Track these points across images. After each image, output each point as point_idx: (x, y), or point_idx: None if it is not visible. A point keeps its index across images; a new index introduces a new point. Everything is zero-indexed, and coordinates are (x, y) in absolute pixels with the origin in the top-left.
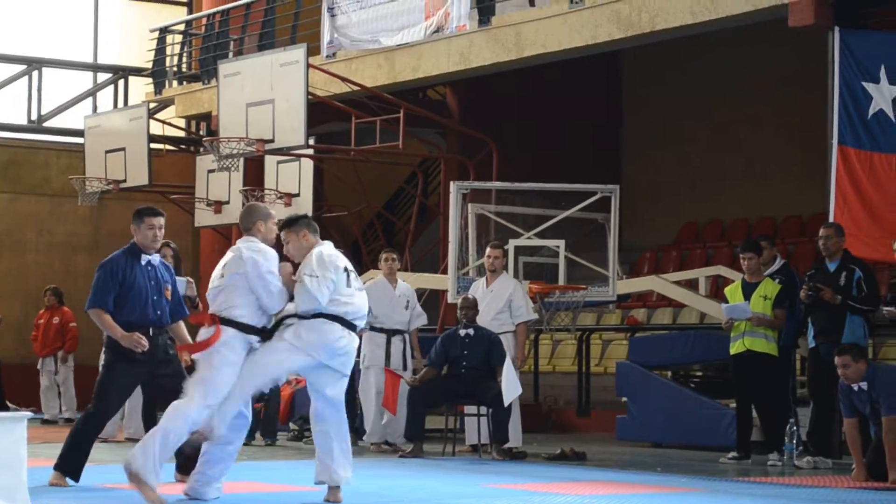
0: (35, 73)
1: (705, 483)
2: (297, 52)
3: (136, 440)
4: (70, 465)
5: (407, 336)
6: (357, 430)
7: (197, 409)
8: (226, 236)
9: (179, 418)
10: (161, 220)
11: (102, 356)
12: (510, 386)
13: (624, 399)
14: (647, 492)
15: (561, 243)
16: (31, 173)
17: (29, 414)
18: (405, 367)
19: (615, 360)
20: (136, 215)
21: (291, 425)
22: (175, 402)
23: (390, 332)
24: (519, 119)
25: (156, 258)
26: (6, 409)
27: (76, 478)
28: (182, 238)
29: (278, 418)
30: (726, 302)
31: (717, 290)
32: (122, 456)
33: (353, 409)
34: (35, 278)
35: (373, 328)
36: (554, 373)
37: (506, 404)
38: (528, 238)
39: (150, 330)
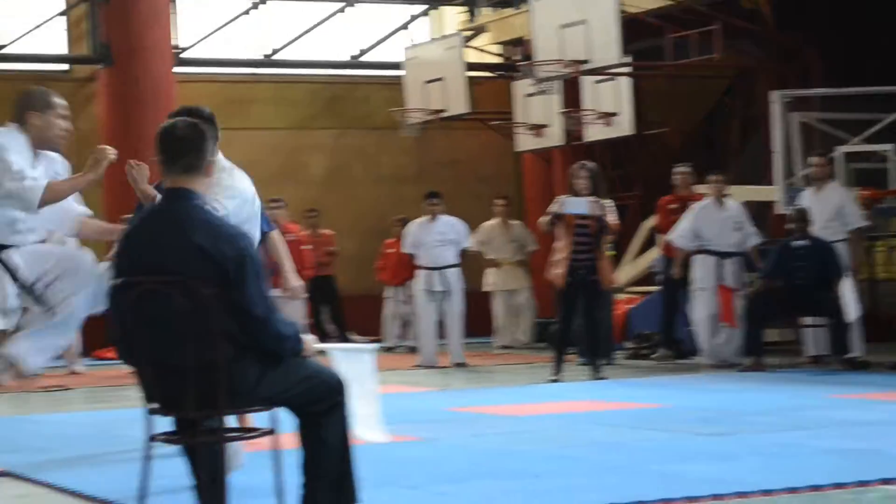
0: (350, 10)
1: None
2: None
3: None
4: None
5: (739, 258)
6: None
7: None
8: (546, 160)
9: None
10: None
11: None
12: (851, 304)
13: None
14: None
15: (891, 147)
16: (353, 108)
17: (376, 346)
18: (740, 289)
19: None
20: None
21: (627, 344)
22: None
23: (721, 255)
24: (836, 22)
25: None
26: (346, 341)
27: None
28: (503, 163)
29: (613, 337)
30: None
31: None
32: None
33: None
34: (365, 211)
35: (704, 250)
36: (892, 280)
37: (848, 321)
38: (856, 144)
39: None
